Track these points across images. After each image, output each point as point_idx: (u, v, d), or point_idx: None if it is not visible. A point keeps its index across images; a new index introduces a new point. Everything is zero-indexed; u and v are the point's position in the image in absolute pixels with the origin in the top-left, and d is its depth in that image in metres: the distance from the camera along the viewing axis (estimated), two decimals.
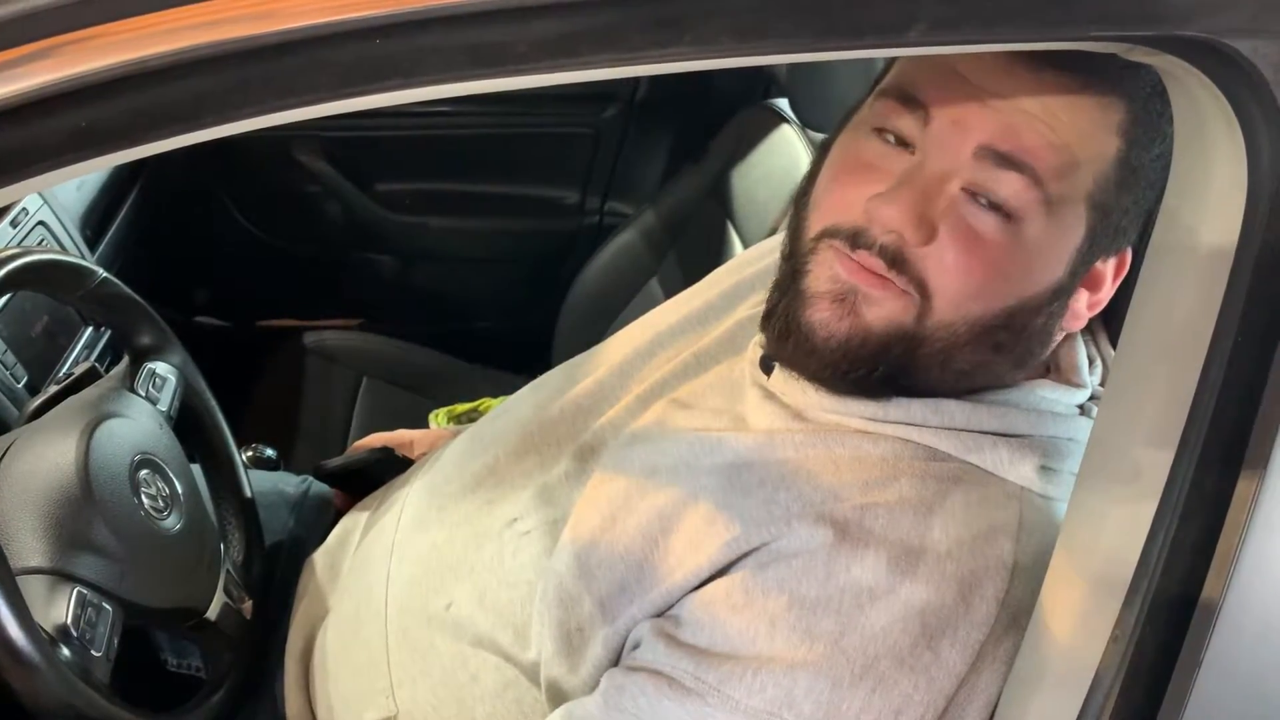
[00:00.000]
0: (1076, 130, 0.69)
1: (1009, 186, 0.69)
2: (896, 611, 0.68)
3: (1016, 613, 0.69)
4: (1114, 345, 0.81)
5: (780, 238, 0.84)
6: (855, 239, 0.72)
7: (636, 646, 0.74)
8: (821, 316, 0.74)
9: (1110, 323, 0.82)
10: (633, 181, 2.01)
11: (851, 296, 0.72)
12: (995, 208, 0.70)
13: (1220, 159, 0.55)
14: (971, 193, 0.70)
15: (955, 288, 0.71)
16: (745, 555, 0.73)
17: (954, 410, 0.75)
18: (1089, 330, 0.81)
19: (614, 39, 0.46)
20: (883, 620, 0.68)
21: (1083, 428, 0.76)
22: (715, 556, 0.73)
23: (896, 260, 0.71)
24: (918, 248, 0.70)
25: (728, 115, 1.77)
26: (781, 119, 1.62)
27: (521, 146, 1.98)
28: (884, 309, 0.72)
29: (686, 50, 0.47)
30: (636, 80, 1.91)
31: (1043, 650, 0.65)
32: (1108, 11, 0.50)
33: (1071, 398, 0.78)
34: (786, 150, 1.58)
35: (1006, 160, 0.69)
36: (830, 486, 0.74)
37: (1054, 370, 0.80)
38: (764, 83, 1.87)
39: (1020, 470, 0.74)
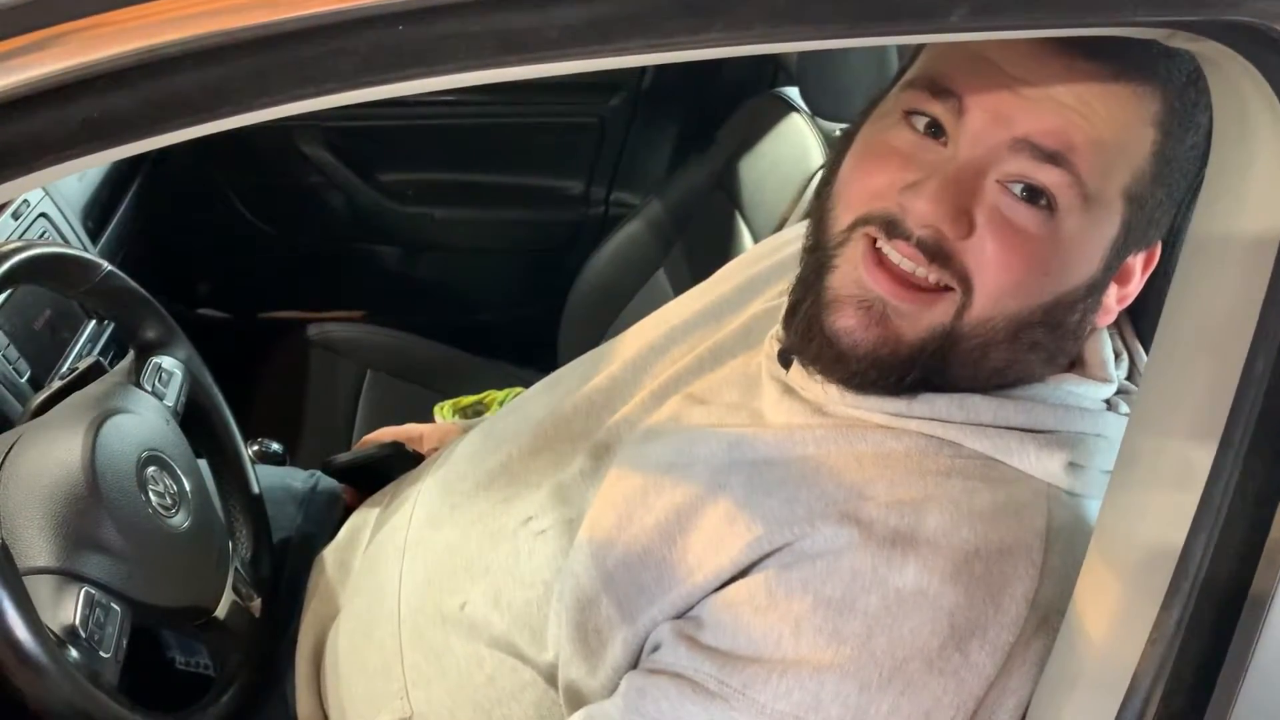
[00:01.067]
0: (1112, 122, 0.67)
1: (1047, 179, 0.67)
2: (925, 613, 0.66)
3: (1047, 613, 0.67)
4: (1140, 338, 0.80)
5: (796, 229, 0.82)
6: (890, 228, 0.70)
7: (656, 649, 0.73)
8: (846, 324, 0.72)
9: (1136, 316, 0.80)
10: (639, 171, 2.00)
11: (879, 305, 0.71)
12: (1033, 201, 0.68)
13: (1263, 148, 0.54)
14: (1008, 186, 0.68)
15: (995, 282, 0.69)
16: (768, 555, 0.71)
17: (979, 406, 0.73)
18: (1114, 324, 0.80)
19: (645, 24, 0.45)
20: (911, 621, 0.66)
21: (1110, 423, 0.74)
22: (737, 557, 0.71)
23: (938, 254, 0.69)
24: (957, 241, 0.69)
25: (735, 104, 1.75)
26: (790, 108, 1.60)
27: (526, 136, 1.97)
28: (918, 319, 0.71)
29: (719, 36, 0.46)
30: (642, 69, 1.89)
31: (1078, 652, 0.63)
32: None
33: (1098, 392, 0.76)
34: (796, 139, 1.56)
35: (1044, 153, 0.67)
36: (853, 484, 0.72)
37: (1079, 364, 0.78)
38: (772, 71, 1.85)
39: (1047, 466, 0.72)
